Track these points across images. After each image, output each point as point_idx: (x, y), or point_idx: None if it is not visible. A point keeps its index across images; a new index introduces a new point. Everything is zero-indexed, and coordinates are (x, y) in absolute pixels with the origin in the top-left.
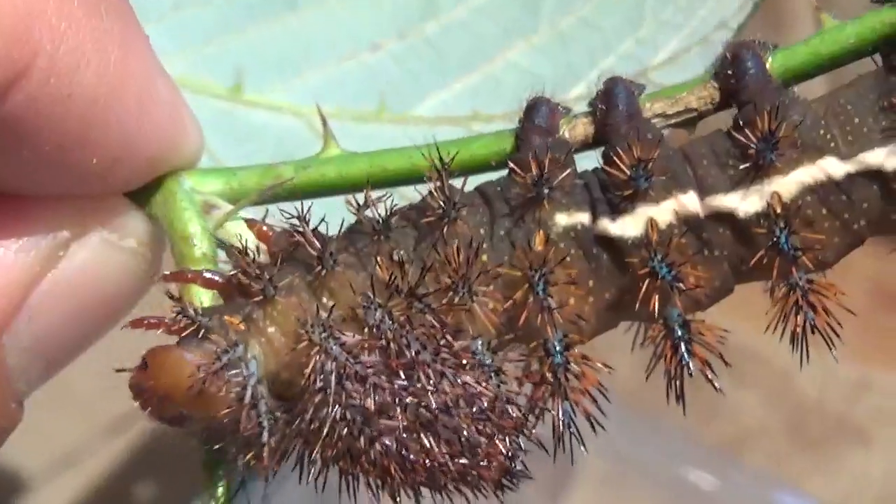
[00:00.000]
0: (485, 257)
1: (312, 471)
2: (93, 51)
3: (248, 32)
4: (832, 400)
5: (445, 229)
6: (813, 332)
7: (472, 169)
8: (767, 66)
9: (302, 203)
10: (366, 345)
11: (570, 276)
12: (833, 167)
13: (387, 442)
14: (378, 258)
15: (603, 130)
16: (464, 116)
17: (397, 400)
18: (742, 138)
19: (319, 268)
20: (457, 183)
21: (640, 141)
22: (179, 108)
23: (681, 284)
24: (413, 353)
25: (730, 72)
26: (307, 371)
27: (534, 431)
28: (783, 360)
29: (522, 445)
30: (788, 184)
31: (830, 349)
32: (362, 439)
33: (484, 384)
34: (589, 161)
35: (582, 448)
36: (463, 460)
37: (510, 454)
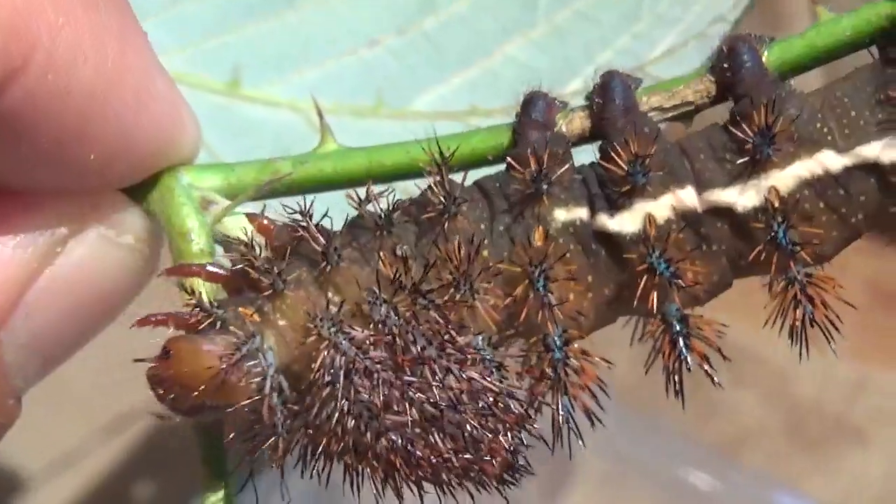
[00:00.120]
0: (485, 253)
1: (318, 464)
2: (91, 46)
3: (245, 28)
4: (831, 400)
5: (446, 225)
6: (812, 326)
7: (469, 164)
8: (763, 59)
9: (304, 198)
10: (374, 340)
11: (570, 272)
12: (830, 161)
13: (393, 437)
14: (381, 253)
15: (600, 124)
16: (462, 111)
17: (404, 395)
18: (739, 133)
19: (324, 263)
20: (454, 177)
21: (637, 136)
22: (177, 103)
23: (679, 281)
24: (419, 349)
25: (726, 65)
26: (316, 365)
27: (535, 427)
28: (782, 360)
29: (524, 440)
30: (786, 178)
31: (829, 342)
32: (369, 434)
33: (489, 380)
34: (585, 154)
35: (580, 443)
36: (467, 455)
37: (512, 449)
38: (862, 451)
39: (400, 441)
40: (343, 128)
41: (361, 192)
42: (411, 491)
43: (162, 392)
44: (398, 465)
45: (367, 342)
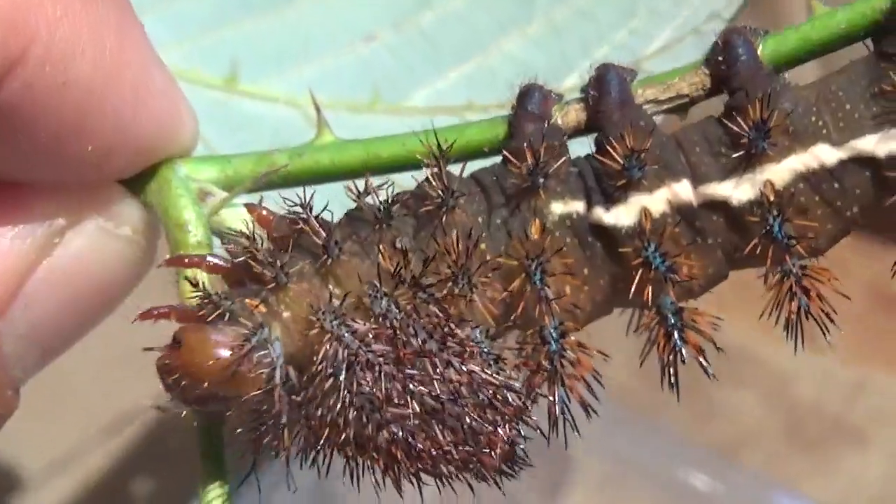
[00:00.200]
0: (483, 246)
1: (319, 456)
2: (89, 39)
3: (243, 23)
4: (830, 401)
5: (444, 218)
6: (807, 318)
7: (466, 156)
8: (759, 52)
9: (304, 190)
10: (376, 333)
11: (566, 266)
12: (825, 154)
13: (394, 429)
14: (381, 246)
15: (595, 117)
16: (458, 106)
17: (406, 388)
18: (734, 127)
19: (325, 256)
20: (451, 169)
21: (633, 130)
22: (175, 96)
23: (674, 276)
24: (420, 342)
25: (721, 58)
26: (319, 357)
27: (533, 419)
28: (782, 361)
29: (522, 432)
30: (781, 172)
31: (825, 334)
32: (370, 426)
33: (488, 372)
34: (580, 146)
35: (580, 442)
36: (467, 448)
37: (511, 441)
38: (861, 453)
39: (401, 433)
40: (340, 123)
41: (360, 183)
42: (411, 483)
43: (171, 382)
44: (399, 456)
45: (370, 335)
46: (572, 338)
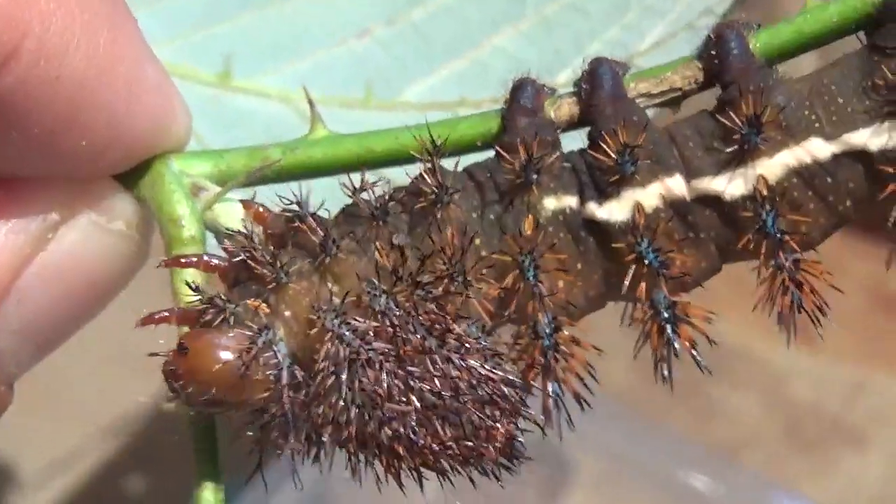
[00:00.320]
0: (477, 242)
1: (322, 453)
2: (82, 33)
3: (236, 19)
4: (829, 401)
5: (439, 215)
6: (800, 312)
7: (459, 150)
8: (751, 45)
9: (301, 187)
10: (376, 331)
11: (560, 261)
12: (818, 148)
13: (396, 425)
14: (378, 243)
15: (588, 111)
16: (451, 102)
17: (407, 384)
18: (727, 121)
19: (323, 255)
20: (444, 163)
21: (625, 124)
22: (168, 91)
23: (668, 270)
24: (420, 339)
25: (714, 52)
26: (321, 356)
27: (531, 412)
28: (780, 361)
29: (521, 427)
30: (773, 166)
31: (816, 326)
32: (372, 423)
33: (487, 367)
34: (573, 140)
35: (571, 428)
36: (467, 442)
37: (510, 435)
38: (860, 453)
39: (402, 429)
40: (333, 119)
41: (356, 179)
42: (412, 478)
43: (179, 386)
44: (401, 452)
45: (370, 333)
46: (566, 332)
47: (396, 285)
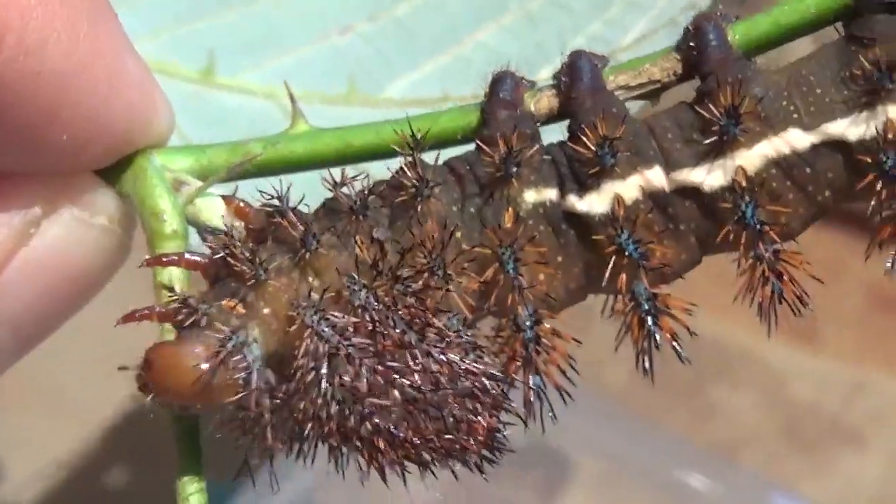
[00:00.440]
0: (458, 235)
1: (304, 448)
2: (62, 28)
3: (219, 15)
4: (828, 402)
5: (419, 208)
6: (780, 302)
7: (440, 143)
8: (729, 37)
9: (281, 182)
10: (355, 326)
11: (540, 254)
12: (797, 139)
13: (377, 420)
14: (358, 238)
15: (567, 103)
16: (434, 98)
17: (387, 379)
18: (706, 113)
19: (303, 250)
20: (425, 157)
21: (605, 117)
22: (149, 85)
23: (648, 262)
24: (400, 333)
25: (692, 43)
26: (300, 352)
27: (513, 405)
28: (779, 361)
29: (502, 419)
30: (752, 157)
31: (795, 314)
32: (353, 418)
33: (467, 361)
34: (553, 132)
35: (551, 416)
36: (448, 436)
37: (492, 428)
38: (859, 454)
39: (383, 424)
40: (315, 115)
41: (336, 174)
42: (395, 473)
43: (151, 397)
44: (382, 446)
45: (349, 329)
46: (547, 325)
47: (376, 280)
